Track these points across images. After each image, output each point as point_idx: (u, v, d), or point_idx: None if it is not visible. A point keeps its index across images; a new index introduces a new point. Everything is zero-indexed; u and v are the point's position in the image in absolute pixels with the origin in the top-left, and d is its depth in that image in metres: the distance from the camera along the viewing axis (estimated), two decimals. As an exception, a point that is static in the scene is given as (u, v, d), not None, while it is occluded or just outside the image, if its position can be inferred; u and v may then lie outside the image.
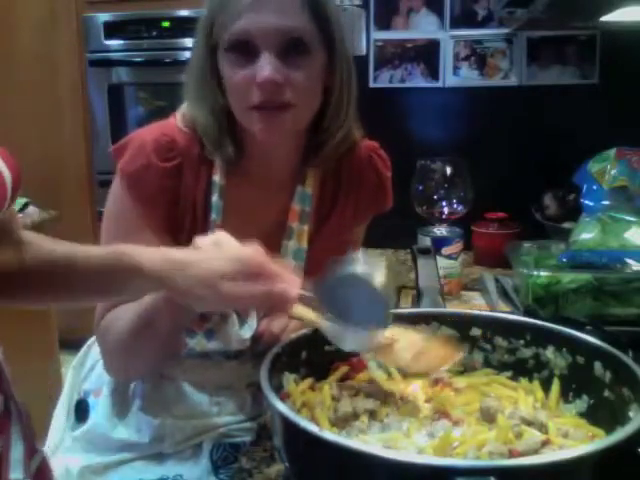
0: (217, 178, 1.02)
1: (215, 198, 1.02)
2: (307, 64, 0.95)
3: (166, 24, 3.15)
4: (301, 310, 0.82)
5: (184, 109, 1.05)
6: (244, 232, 0.84)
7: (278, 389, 0.74)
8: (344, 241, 1.11)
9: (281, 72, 0.92)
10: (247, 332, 1.04)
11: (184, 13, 3.12)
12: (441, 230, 1.42)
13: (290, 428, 0.63)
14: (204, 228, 1.01)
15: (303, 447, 0.63)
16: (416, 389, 0.82)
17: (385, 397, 0.79)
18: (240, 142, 1.02)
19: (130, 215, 1.01)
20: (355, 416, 0.75)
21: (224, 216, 1.03)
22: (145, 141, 1.00)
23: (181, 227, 1.02)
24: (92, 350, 1.16)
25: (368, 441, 0.69)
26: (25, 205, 2.19)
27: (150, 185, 1.00)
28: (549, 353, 0.81)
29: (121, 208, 1.02)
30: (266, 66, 0.91)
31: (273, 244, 0.99)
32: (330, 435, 0.59)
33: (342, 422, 0.74)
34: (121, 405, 1.07)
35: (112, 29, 3.19)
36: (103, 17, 3.18)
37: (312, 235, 1.10)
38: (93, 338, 1.18)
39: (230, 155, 1.01)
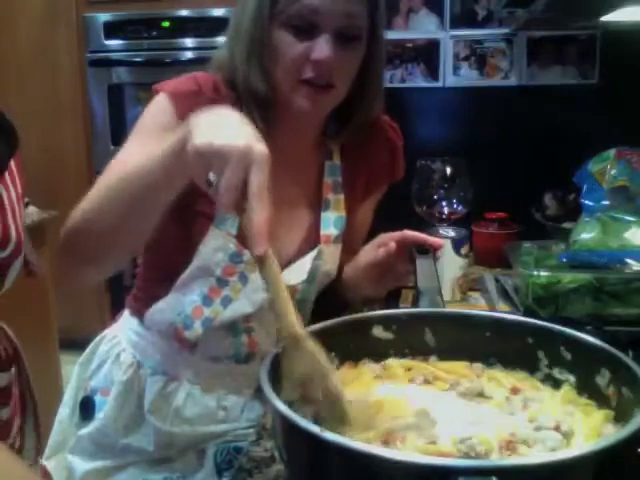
0: None
1: None
2: (355, 49, 0.99)
3: (166, 24, 3.15)
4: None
5: (220, 72, 1.05)
6: (275, 205, 0.72)
7: (278, 389, 0.74)
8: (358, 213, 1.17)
9: (335, 54, 0.96)
10: None
11: (184, 13, 3.12)
12: (447, 231, 1.42)
13: (290, 428, 0.63)
14: None
15: (303, 447, 0.63)
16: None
17: None
18: (277, 111, 1.04)
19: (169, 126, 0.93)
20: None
21: None
22: (195, 75, 1.02)
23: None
24: (99, 348, 1.15)
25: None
26: (25, 205, 2.18)
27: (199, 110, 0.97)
28: (549, 353, 0.81)
29: (159, 118, 0.97)
30: (325, 46, 0.95)
31: (312, 217, 1.09)
32: (330, 435, 0.58)
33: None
34: (129, 408, 1.07)
35: (112, 29, 3.20)
36: (103, 17, 3.19)
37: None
38: (100, 336, 1.17)
39: (269, 121, 1.02)
